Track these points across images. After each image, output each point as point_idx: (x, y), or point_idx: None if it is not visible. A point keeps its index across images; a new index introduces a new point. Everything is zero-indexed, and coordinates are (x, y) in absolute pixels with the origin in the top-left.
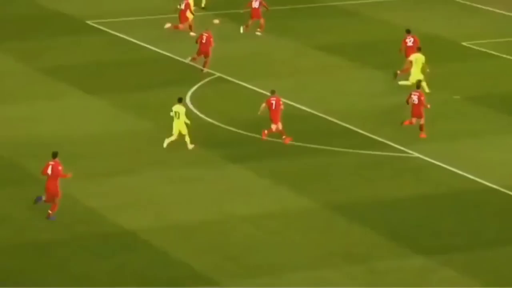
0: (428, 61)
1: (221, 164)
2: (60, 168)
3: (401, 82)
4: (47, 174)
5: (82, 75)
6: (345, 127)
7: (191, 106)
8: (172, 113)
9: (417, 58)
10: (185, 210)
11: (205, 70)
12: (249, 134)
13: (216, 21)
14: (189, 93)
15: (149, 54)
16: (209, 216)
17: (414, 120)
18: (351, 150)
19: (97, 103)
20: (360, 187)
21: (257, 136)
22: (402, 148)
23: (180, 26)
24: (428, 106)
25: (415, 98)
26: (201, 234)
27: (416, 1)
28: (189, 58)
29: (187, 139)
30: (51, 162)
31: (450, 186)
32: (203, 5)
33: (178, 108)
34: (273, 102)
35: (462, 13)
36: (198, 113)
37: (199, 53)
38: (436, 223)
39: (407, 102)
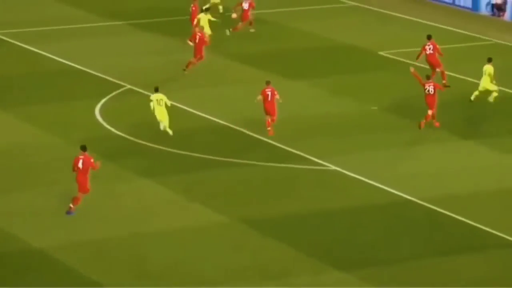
0: (345, 71)
1: (132, 179)
2: (91, 160)
3: (473, 97)
4: (78, 168)
5: None
6: (261, 139)
7: (100, 119)
8: (152, 103)
9: (486, 69)
10: (96, 227)
11: (187, 71)
12: (161, 147)
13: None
14: (98, 106)
15: (57, 66)
16: (120, 233)
17: (430, 112)
18: (267, 163)
19: (2, 116)
20: (276, 201)
21: (169, 149)
22: (319, 161)
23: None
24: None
25: (430, 88)
26: (112, 251)
27: (331, 10)
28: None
29: (167, 125)
30: (81, 156)
31: (368, 199)
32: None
33: (159, 96)
34: (269, 93)
35: (378, 21)
36: (107, 126)
37: (196, 53)
38: (355, 237)
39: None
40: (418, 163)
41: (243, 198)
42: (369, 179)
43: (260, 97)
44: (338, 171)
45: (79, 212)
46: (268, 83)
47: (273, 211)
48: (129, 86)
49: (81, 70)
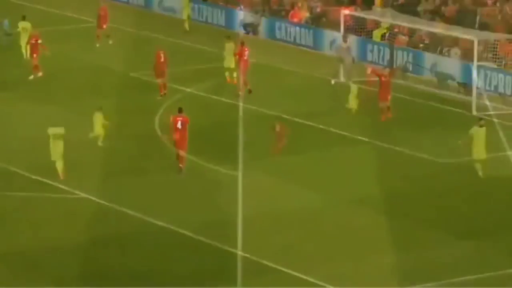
0: (96, 93)
1: None
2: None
3: None
4: (177, 128)
5: None
6: (11, 170)
7: None
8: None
9: None
10: None
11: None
12: None
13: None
14: None
15: None
16: None
17: None
18: (18, 193)
19: None
20: (23, 232)
21: None
22: (68, 189)
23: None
24: None
25: None
26: None
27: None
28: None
29: None
30: (179, 118)
31: (119, 227)
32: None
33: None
34: None
35: (133, 43)
36: None
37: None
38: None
39: None
40: (178, 190)
41: None
42: (122, 206)
43: None
44: (90, 199)
45: None
46: None
47: (22, 244)
48: None
49: None
